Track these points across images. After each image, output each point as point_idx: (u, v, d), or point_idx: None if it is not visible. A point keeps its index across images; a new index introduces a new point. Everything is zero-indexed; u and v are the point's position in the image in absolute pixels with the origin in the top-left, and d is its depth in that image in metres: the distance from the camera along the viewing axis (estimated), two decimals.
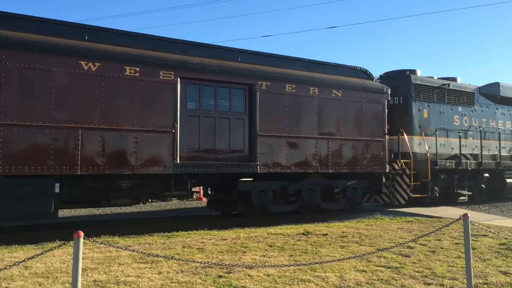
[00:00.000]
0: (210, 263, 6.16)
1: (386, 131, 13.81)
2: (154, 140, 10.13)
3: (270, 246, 7.97)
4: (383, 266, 6.58)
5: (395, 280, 5.92)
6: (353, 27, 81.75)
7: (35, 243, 8.52)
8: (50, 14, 77.29)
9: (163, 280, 5.69)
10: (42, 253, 4.58)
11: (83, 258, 5.97)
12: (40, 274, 5.86)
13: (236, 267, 6.16)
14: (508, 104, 18.56)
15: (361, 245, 8.14)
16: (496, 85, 18.22)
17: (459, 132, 16.25)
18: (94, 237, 7.75)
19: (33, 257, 4.57)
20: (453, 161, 15.86)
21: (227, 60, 11.52)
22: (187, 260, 5.77)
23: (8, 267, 4.55)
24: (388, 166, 13.77)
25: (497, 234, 7.10)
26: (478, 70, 73.75)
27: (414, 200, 14.85)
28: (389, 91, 13.97)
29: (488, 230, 7.04)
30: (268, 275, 5.95)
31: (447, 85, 16.44)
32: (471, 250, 5.56)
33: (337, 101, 12.84)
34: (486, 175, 17.05)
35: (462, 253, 6.76)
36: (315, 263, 6.46)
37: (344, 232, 9.61)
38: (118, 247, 5.78)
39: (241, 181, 11.76)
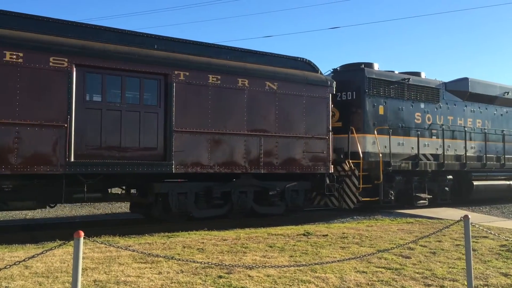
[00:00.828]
0: (210, 263, 6.15)
1: (330, 127, 12.66)
2: (41, 136, 8.89)
3: (271, 246, 7.97)
4: (384, 267, 6.57)
5: (396, 281, 5.91)
6: (356, 28, 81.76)
7: (35, 242, 8.54)
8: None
9: (163, 280, 5.69)
10: (42, 253, 4.58)
11: (83, 258, 5.95)
12: (40, 274, 5.86)
13: (236, 268, 6.16)
14: (478, 101, 17.31)
15: (362, 246, 8.13)
16: (465, 80, 16.93)
17: (417, 131, 14.97)
18: (95, 237, 7.74)
19: (33, 256, 4.57)
20: (410, 161, 14.68)
21: (140, 47, 10.29)
22: (187, 260, 5.79)
23: (9, 266, 4.55)
24: (332, 166, 12.69)
25: (497, 236, 7.11)
26: (486, 70, 73.48)
27: (368, 204, 13.84)
28: (334, 84, 12.83)
29: (489, 231, 7.03)
30: (268, 276, 5.95)
31: (406, 80, 15.19)
32: (471, 251, 5.57)
33: (272, 94, 11.69)
34: (450, 177, 15.87)
35: (463, 254, 6.74)
36: (316, 264, 6.44)
37: (344, 233, 9.60)
38: (118, 247, 5.78)
39: (159, 183, 10.59)
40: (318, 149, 12.37)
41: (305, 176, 12.54)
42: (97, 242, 5.30)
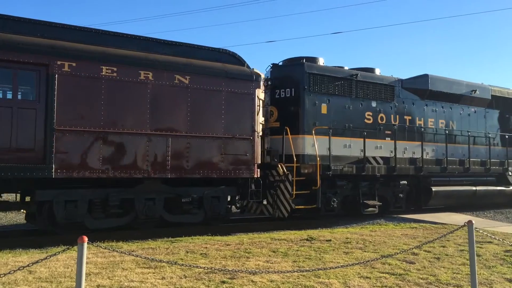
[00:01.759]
0: (213, 268, 6.16)
1: (256, 127, 11.12)
2: None
3: (274, 251, 7.95)
4: (387, 273, 6.55)
5: (399, 287, 5.90)
6: (358, 32, 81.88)
7: (39, 247, 8.53)
8: None
9: (167, 285, 5.69)
10: (46, 258, 4.59)
11: (86, 263, 5.93)
12: (44, 279, 5.87)
13: (239, 273, 6.15)
14: (441, 100, 15.80)
15: (365, 251, 8.10)
16: (424, 77, 15.35)
17: (364, 132, 13.32)
18: (98, 242, 7.76)
19: (37, 261, 4.60)
20: (354, 165, 13.09)
21: (18, 33, 8.86)
22: (190, 266, 5.77)
23: (12, 271, 4.56)
24: (258, 170, 11.18)
25: (502, 241, 7.08)
26: (497, 75, 73.08)
27: (311, 213, 12.54)
28: (260, 78, 11.40)
29: (493, 237, 7.02)
30: (271, 281, 5.93)
31: (354, 76, 13.70)
32: (475, 257, 5.55)
33: (183, 89, 10.20)
34: (404, 182, 14.23)
35: (467, 259, 6.71)
36: (319, 269, 6.43)
37: (348, 238, 9.57)
38: (121, 252, 5.76)
39: (41, 190, 9.11)
40: (240, 151, 10.88)
41: (229, 182, 11.11)
42: (101, 247, 5.30)
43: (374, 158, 13.85)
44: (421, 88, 15.22)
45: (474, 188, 15.78)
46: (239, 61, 11.41)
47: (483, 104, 17.10)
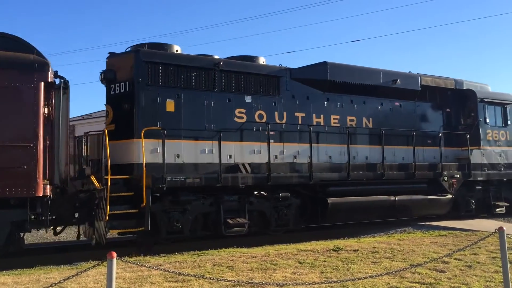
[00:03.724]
0: (240, 281, 6.15)
1: (42, 131, 8.40)
2: None
3: (300, 263, 7.88)
4: (418, 282, 6.41)
5: None
6: (378, 40, 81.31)
7: (69, 263, 8.70)
8: None
9: None
10: (77, 274, 4.68)
11: (116, 278, 6.05)
12: None
13: (267, 285, 6.12)
14: (349, 93, 12.79)
15: (394, 261, 7.95)
16: (322, 66, 12.43)
17: (232, 133, 10.94)
18: (126, 257, 7.87)
19: (68, 278, 4.68)
20: (203, 176, 10.30)
21: None
22: (217, 279, 5.79)
23: None
24: (48, 187, 8.49)
25: None
26: None
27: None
28: (48, 68, 8.69)
29: None
30: None
31: (217, 65, 11.00)
32: (508, 264, 5.39)
33: None
34: (285, 194, 11.30)
35: (500, 267, 6.53)
36: (347, 280, 6.34)
37: (375, 247, 9.41)
38: (149, 267, 5.85)
39: None
40: (13, 163, 8.20)
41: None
42: (129, 262, 5.38)
43: (243, 164, 11.05)
44: (319, 79, 12.37)
45: (392, 198, 12.57)
46: (25, 46, 8.85)
47: (412, 97, 13.96)
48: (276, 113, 11.75)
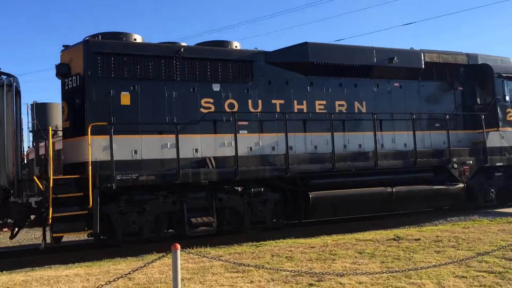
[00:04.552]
0: (300, 271, 6.18)
1: None
2: None
3: (360, 253, 7.79)
4: (485, 271, 6.15)
5: (500, 286, 5.52)
6: (431, 21, 77.69)
7: (135, 255, 9.12)
8: None
9: None
10: (144, 265, 4.92)
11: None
12: (142, 285, 6.23)
13: (326, 275, 6.12)
14: (336, 75, 11.70)
15: (459, 250, 7.67)
16: (302, 47, 11.34)
17: (197, 125, 10.20)
18: (188, 248, 8.14)
19: (136, 269, 4.93)
20: (157, 173, 9.56)
21: None
22: (277, 269, 5.88)
23: (116, 279, 4.94)
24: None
25: None
26: None
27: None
28: None
29: None
30: (360, 283, 5.82)
31: (178, 53, 10.22)
32: None
33: None
34: (258, 189, 10.48)
35: None
36: (410, 269, 6.21)
37: (438, 236, 9.11)
38: (211, 258, 6.02)
39: None
40: None
41: None
42: (192, 253, 5.57)
43: (215, 159, 10.35)
44: (299, 61, 11.35)
45: (388, 189, 11.54)
46: None
47: (414, 76, 12.74)
48: (249, 101, 10.90)
